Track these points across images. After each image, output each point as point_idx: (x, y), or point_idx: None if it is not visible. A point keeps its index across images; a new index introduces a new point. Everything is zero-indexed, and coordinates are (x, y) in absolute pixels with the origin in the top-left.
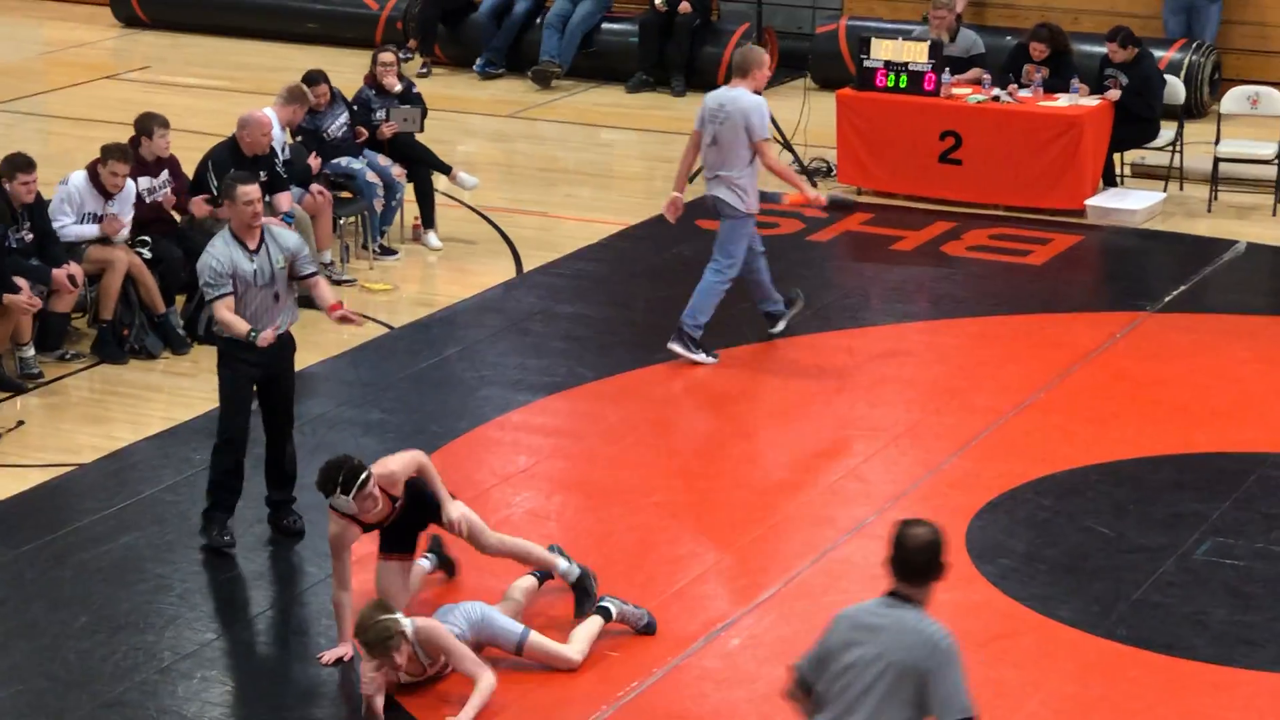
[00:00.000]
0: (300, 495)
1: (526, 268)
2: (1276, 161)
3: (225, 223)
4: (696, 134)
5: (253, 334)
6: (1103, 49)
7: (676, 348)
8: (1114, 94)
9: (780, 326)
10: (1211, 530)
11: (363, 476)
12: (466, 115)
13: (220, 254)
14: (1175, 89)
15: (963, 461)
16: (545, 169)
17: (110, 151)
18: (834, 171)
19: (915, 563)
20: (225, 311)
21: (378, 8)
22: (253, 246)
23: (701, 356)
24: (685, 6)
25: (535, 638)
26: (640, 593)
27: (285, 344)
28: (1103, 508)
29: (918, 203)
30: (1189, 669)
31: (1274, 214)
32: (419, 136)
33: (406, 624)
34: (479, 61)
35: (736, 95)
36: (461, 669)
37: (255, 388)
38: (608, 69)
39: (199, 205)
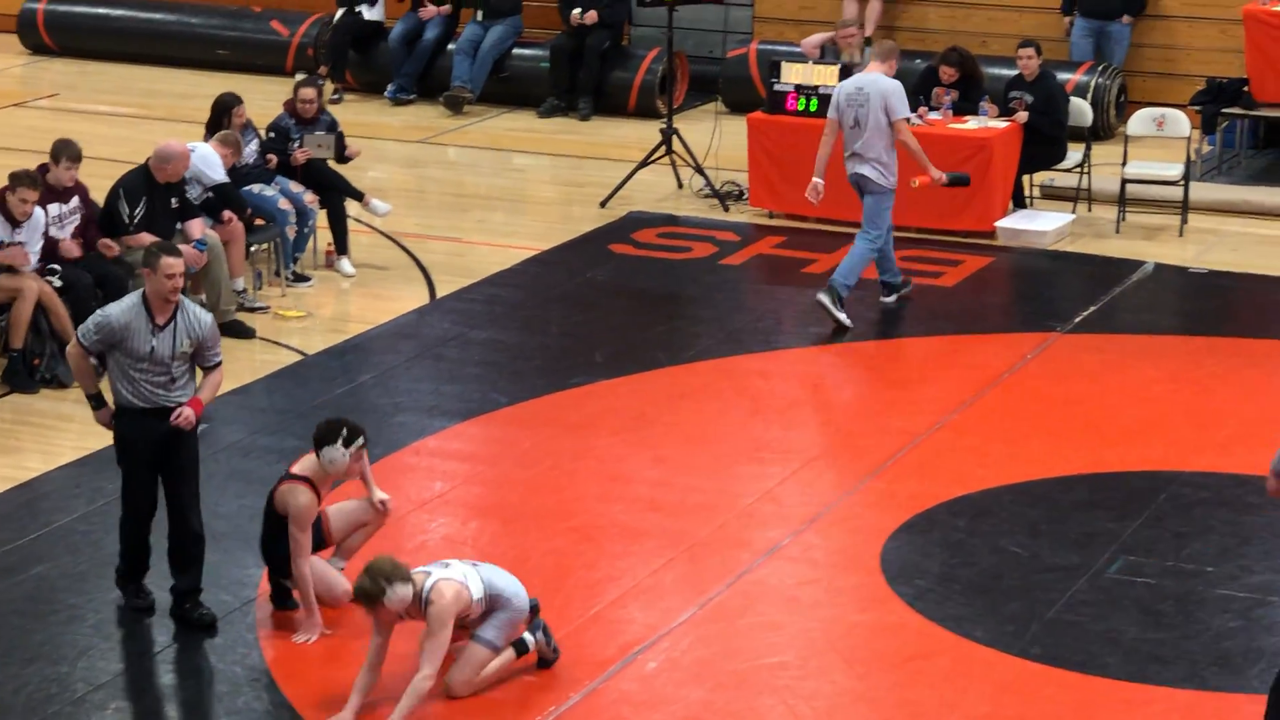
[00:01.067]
0: (216, 527)
1: (440, 293)
2: (1182, 183)
3: (138, 251)
4: (833, 121)
5: (94, 401)
6: (1011, 71)
7: (825, 300)
8: (1022, 116)
9: (891, 298)
10: (1123, 549)
11: (361, 439)
12: (379, 141)
13: (116, 319)
14: (1083, 111)
15: (877, 483)
16: (457, 194)
17: (18, 179)
18: (745, 195)
19: None
20: (80, 360)
21: (288, 34)
22: (161, 321)
23: (844, 317)
24: (592, 16)
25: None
26: (557, 617)
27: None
28: (1016, 528)
29: (829, 225)
30: (1102, 687)
31: (1180, 234)
32: (332, 163)
33: (420, 583)
34: (390, 87)
35: (875, 79)
36: (425, 645)
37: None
38: (519, 94)
39: (107, 247)
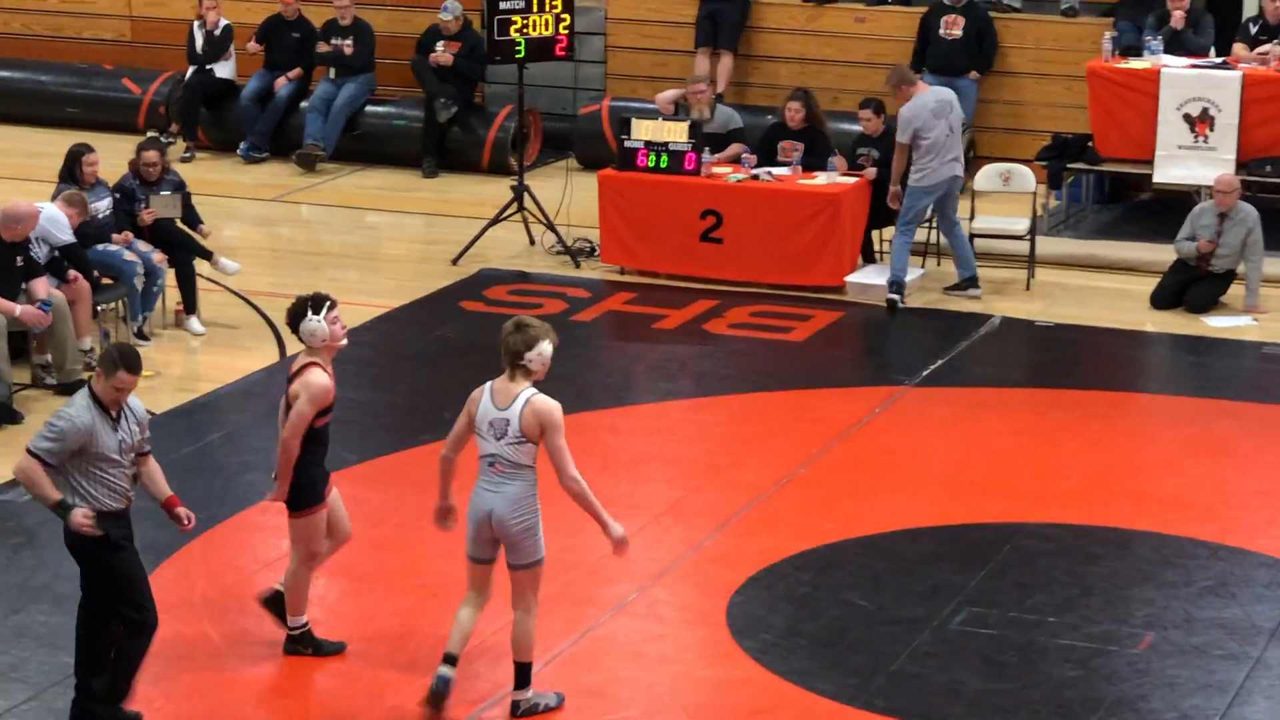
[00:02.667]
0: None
1: (290, 351)
2: (1029, 237)
3: None
4: (905, 145)
5: (63, 507)
6: (858, 127)
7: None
8: (870, 172)
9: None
10: (967, 600)
11: (328, 302)
12: (231, 200)
13: (80, 421)
14: None
15: (724, 538)
16: (310, 252)
17: None
18: (597, 251)
19: None
20: (38, 472)
21: (140, 92)
22: (114, 415)
23: (974, 291)
24: (447, 58)
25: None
26: (404, 675)
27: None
28: (862, 581)
29: (680, 281)
30: None
31: (1027, 288)
32: (180, 223)
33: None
34: (243, 145)
35: (948, 92)
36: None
37: None
38: (372, 152)
39: None
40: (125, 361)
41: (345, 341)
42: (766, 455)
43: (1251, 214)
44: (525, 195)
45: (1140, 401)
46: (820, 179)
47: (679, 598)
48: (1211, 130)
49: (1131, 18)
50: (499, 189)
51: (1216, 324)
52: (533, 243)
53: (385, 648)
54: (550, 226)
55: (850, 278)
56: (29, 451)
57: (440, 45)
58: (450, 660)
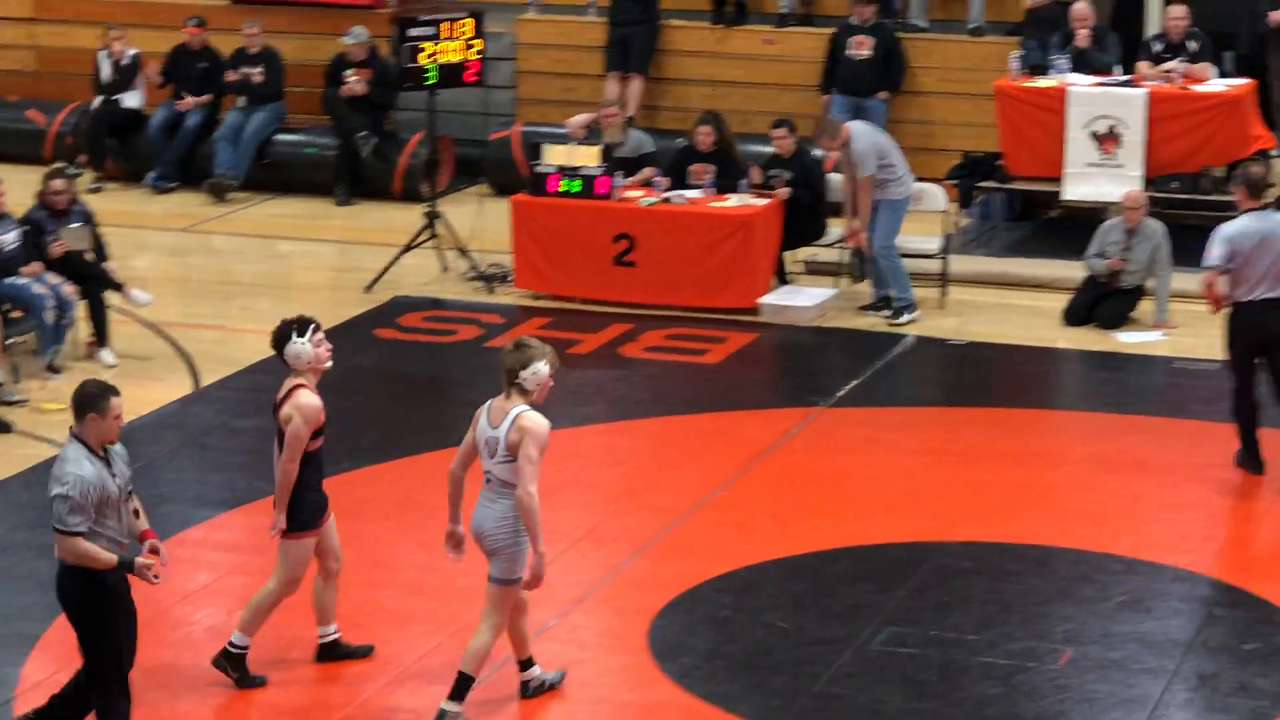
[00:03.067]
0: None
1: (204, 382)
2: (941, 256)
3: None
4: (870, 177)
5: (124, 565)
6: (769, 149)
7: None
8: (783, 192)
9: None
10: (887, 620)
11: (313, 325)
12: (140, 230)
13: (90, 475)
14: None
15: (643, 562)
16: (222, 282)
17: None
18: (510, 277)
19: None
20: (83, 546)
21: (45, 122)
22: (102, 456)
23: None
24: (360, 88)
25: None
26: (325, 705)
27: None
28: (782, 602)
29: (594, 305)
30: None
31: (941, 307)
32: (90, 255)
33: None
34: (152, 175)
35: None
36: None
37: None
38: (283, 180)
39: None
40: (105, 389)
41: (330, 364)
42: (683, 478)
43: (1159, 229)
44: (438, 221)
45: (1054, 418)
46: (732, 201)
47: (599, 623)
48: (1119, 147)
49: (1037, 36)
50: (411, 216)
51: (1127, 339)
52: (446, 269)
53: (305, 679)
54: (464, 252)
55: (764, 299)
56: (63, 533)
57: (350, 73)
58: (524, 665)
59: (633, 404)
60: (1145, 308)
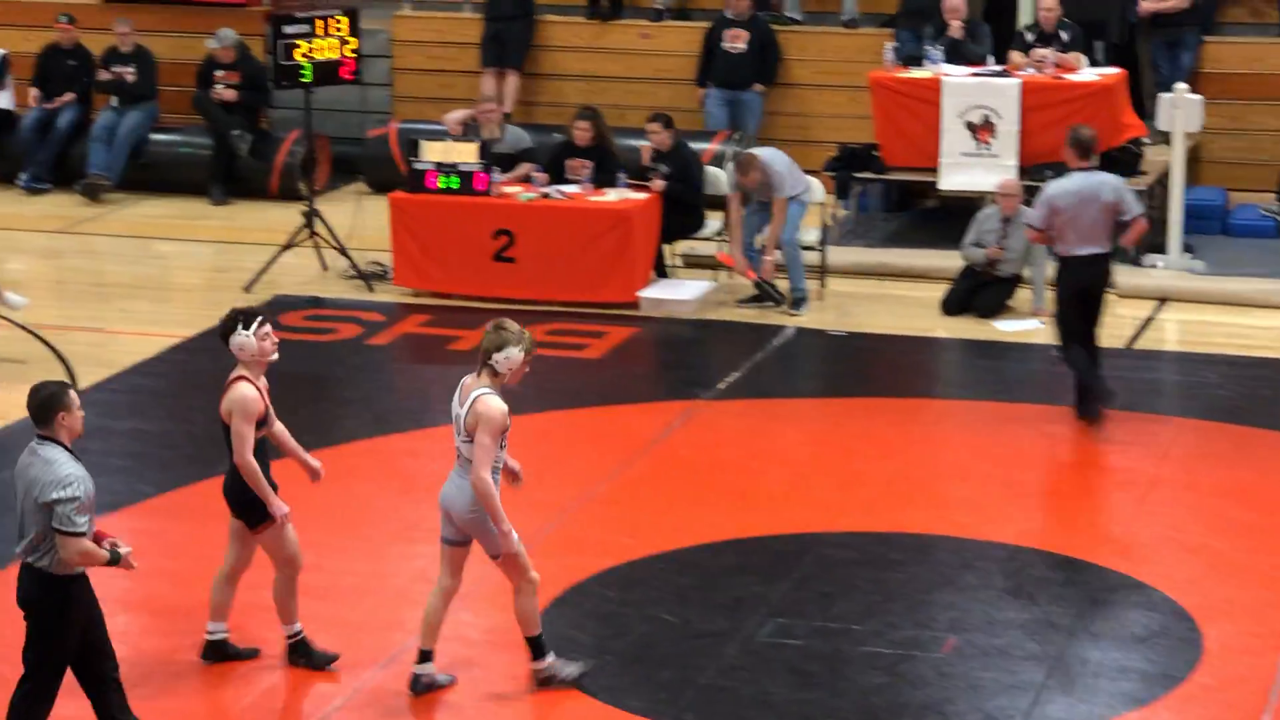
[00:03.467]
0: None
1: (81, 385)
2: (819, 247)
3: None
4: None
5: (114, 558)
6: (647, 142)
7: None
8: (659, 184)
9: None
10: (772, 612)
11: (260, 318)
12: (13, 233)
13: (81, 472)
14: (720, 180)
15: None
16: (99, 284)
17: None
18: (390, 275)
19: None
20: (88, 545)
21: None
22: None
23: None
24: (231, 94)
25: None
26: (213, 708)
27: None
28: (667, 596)
29: (474, 302)
30: None
31: (820, 298)
32: None
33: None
34: (24, 176)
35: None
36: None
37: None
38: (159, 180)
39: None
40: (62, 386)
41: (275, 356)
42: (567, 474)
43: None
44: (316, 220)
45: (934, 407)
46: (610, 196)
47: (485, 620)
48: (993, 137)
49: (911, 28)
50: (289, 214)
51: (1006, 328)
52: (325, 268)
53: (190, 683)
54: (342, 251)
55: (643, 293)
56: (69, 534)
57: (219, 75)
58: (424, 656)
59: (514, 400)
60: (1023, 296)
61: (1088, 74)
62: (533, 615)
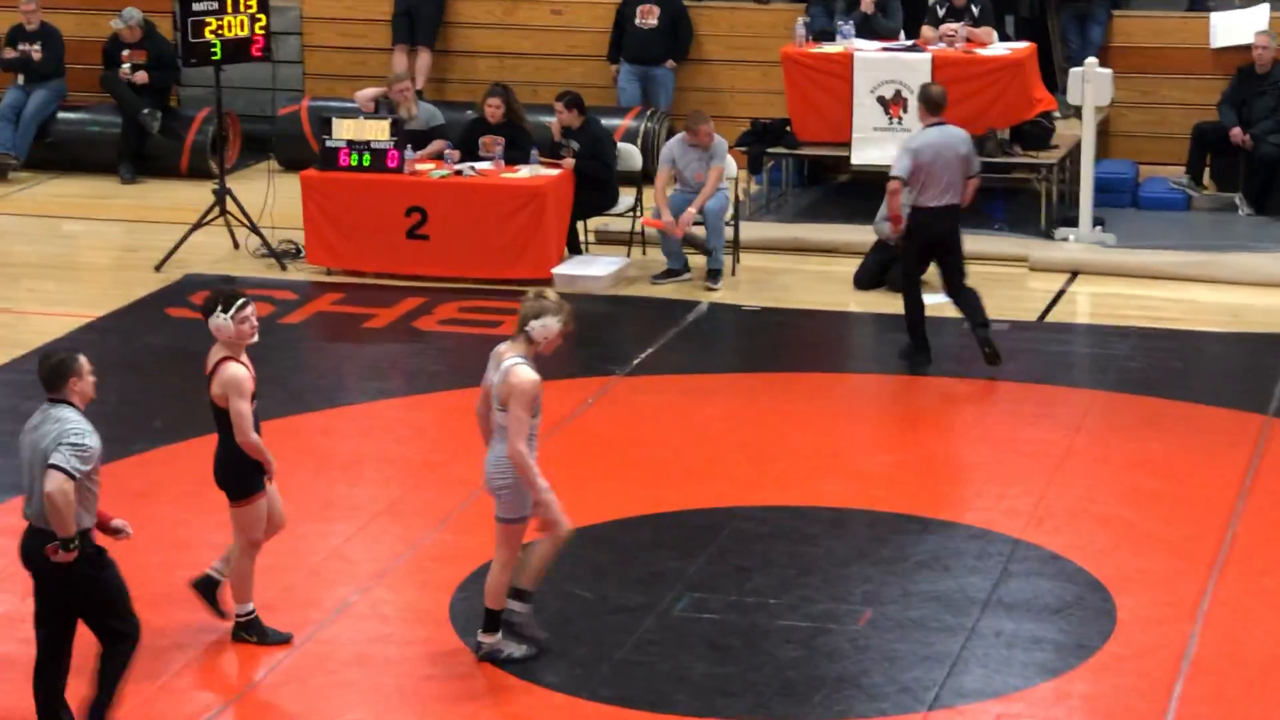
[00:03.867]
0: None
1: None
2: (732, 222)
3: None
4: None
5: (80, 539)
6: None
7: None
8: (569, 162)
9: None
10: (688, 586)
11: (240, 300)
12: None
13: (91, 431)
14: (632, 156)
15: (444, 535)
16: (6, 264)
17: None
18: (303, 253)
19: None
20: (71, 493)
21: None
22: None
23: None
24: (141, 76)
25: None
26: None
27: None
28: (582, 571)
29: (388, 280)
30: None
31: (734, 273)
32: None
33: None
34: None
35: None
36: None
37: None
38: (66, 159)
39: None
40: (71, 352)
41: (255, 338)
42: (482, 451)
43: None
44: (227, 198)
45: (848, 381)
46: (523, 172)
47: (402, 597)
48: (905, 112)
49: (822, 3)
50: (200, 193)
51: None
52: (237, 246)
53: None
54: (254, 229)
55: (557, 269)
56: (66, 472)
57: (125, 54)
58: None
59: (429, 377)
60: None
61: (998, 48)
62: (503, 589)
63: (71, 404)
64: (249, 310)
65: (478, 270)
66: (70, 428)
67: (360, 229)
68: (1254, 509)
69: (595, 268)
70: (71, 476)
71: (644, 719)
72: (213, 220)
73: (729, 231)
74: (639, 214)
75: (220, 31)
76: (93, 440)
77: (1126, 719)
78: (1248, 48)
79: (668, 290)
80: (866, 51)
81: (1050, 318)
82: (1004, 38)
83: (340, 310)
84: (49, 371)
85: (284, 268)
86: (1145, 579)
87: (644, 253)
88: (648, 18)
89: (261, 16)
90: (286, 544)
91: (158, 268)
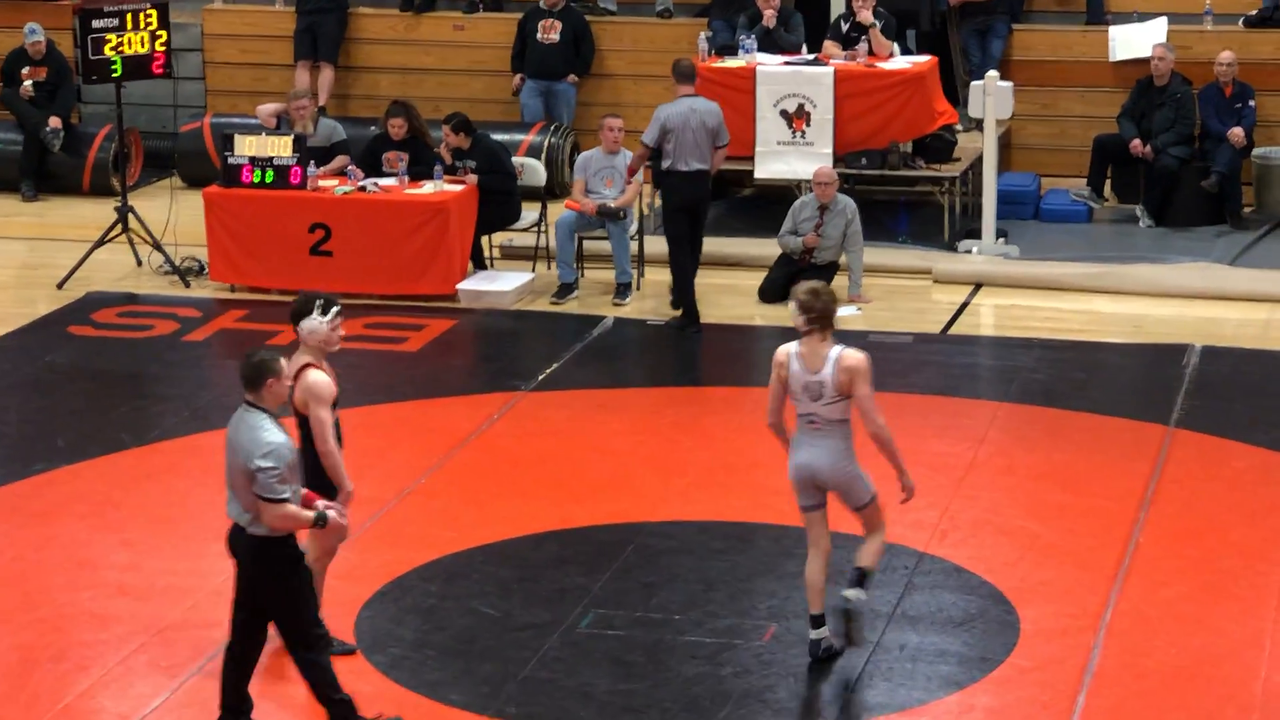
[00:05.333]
0: None
1: None
2: (636, 237)
3: None
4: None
5: (321, 514)
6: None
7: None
8: (471, 178)
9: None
10: (594, 602)
11: (338, 307)
12: None
13: (282, 440)
14: (536, 171)
15: (348, 553)
16: None
17: None
18: (206, 270)
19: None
20: (289, 509)
21: None
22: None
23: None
24: (26, 90)
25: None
26: (24, 713)
27: None
28: (488, 589)
29: (292, 296)
30: None
31: (637, 288)
32: None
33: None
34: None
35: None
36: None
37: None
38: None
39: None
40: (272, 354)
41: (339, 346)
42: (387, 468)
43: (850, 205)
44: (130, 216)
45: (754, 395)
46: (427, 188)
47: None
48: (808, 125)
49: (724, 17)
50: (102, 210)
51: None
52: (140, 264)
53: (5, 687)
54: (157, 246)
55: (462, 285)
56: (272, 501)
57: (25, 71)
58: (817, 621)
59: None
60: (839, 283)
61: (900, 62)
62: (880, 552)
63: (264, 409)
64: (341, 319)
65: (382, 286)
66: (262, 445)
67: (264, 246)
68: (1156, 520)
69: (500, 283)
70: (277, 500)
71: None
72: (115, 238)
73: (631, 245)
74: (544, 229)
75: (121, 48)
76: (281, 461)
77: None
78: (1146, 60)
79: (573, 305)
80: (769, 66)
81: (954, 330)
82: (905, 51)
83: (244, 327)
84: (250, 370)
85: (187, 285)
86: (1048, 591)
87: (549, 267)
88: (550, 33)
89: (162, 33)
90: (190, 564)
91: (60, 285)
